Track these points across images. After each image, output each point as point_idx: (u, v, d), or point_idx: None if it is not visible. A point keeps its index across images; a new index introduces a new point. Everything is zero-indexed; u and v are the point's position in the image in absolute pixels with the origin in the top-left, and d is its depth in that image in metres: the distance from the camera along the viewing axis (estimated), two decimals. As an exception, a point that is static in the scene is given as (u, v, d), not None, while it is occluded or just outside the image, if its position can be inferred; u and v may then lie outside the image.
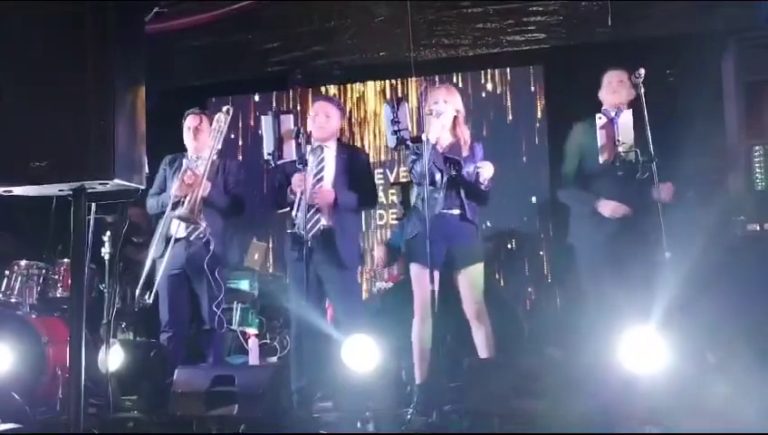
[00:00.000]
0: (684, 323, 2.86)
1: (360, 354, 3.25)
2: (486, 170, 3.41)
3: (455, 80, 5.97)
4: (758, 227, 2.97)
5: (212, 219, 3.88)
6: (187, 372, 3.29)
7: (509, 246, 5.13)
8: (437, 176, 3.42)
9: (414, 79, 5.94)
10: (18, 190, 1.90)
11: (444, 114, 3.45)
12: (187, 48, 6.27)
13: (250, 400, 3.10)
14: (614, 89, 3.60)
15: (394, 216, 5.74)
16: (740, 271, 3.07)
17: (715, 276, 3.01)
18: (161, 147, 3.97)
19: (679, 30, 5.37)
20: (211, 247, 3.83)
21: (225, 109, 3.90)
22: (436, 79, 5.81)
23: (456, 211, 3.48)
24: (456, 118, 3.56)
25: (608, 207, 3.48)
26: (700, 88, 4.55)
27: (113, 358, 3.36)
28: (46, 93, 1.85)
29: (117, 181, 1.77)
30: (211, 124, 4.01)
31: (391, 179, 5.94)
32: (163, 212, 3.94)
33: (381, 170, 6.00)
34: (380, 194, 5.90)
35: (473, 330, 3.48)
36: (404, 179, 5.72)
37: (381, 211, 5.95)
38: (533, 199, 5.49)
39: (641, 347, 2.83)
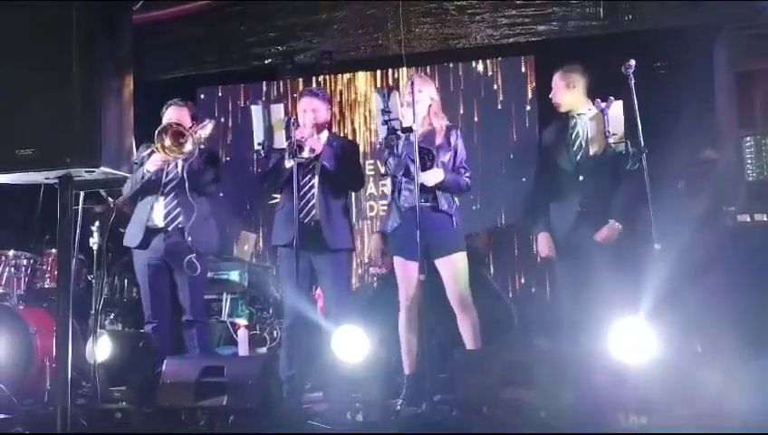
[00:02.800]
0: (673, 313, 2.87)
1: (350, 345, 3.25)
2: (431, 177, 3.40)
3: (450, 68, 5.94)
4: (749, 218, 2.98)
5: (188, 208, 3.81)
6: (176, 363, 3.27)
7: (497, 225, 5.16)
8: (412, 168, 3.39)
9: (405, 69, 5.92)
10: (4, 178, 1.87)
11: (419, 103, 3.42)
12: (176, 39, 6.24)
13: (239, 390, 3.09)
14: (555, 93, 3.68)
15: (384, 207, 5.73)
16: (730, 262, 3.08)
17: (705, 267, 3.02)
18: (147, 139, 3.92)
19: (670, 23, 5.38)
20: (187, 237, 3.78)
21: (212, 122, 3.91)
22: (428, 70, 5.78)
23: (429, 203, 3.46)
24: (430, 106, 3.55)
25: (541, 244, 3.62)
26: (691, 80, 4.57)
27: (101, 349, 3.34)
28: (32, 80, 1.81)
29: (104, 169, 1.75)
30: (191, 115, 3.96)
31: (382, 171, 5.92)
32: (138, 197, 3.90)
33: (372, 161, 5.98)
34: (371, 185, 5.92)
35: (458, 320, 3.48)
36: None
37: (372, 202, 5.94)
38: (524, 179, 5.50)
39: (630, 337, 2.84)
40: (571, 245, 3.46)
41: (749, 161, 3.02)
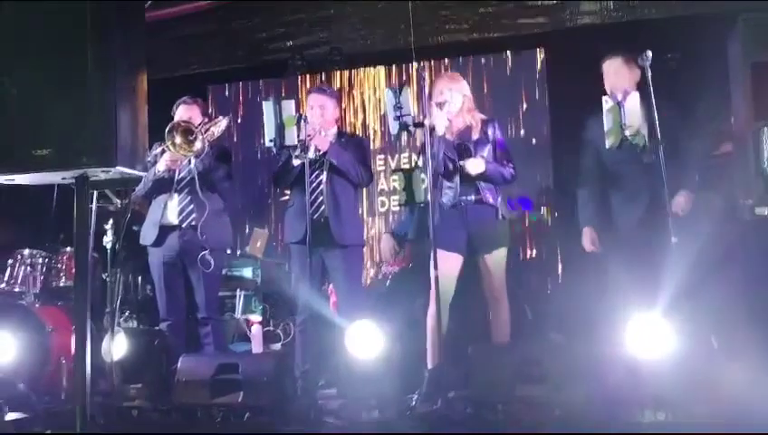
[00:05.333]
0: (691, 308, 2.83)
1: (364, 341, 3.25)
2: (472, 166, 3.39)
3: (459, 63, 5.90)
4: (767, 212, 2.94)
5: (201, 205, 3.83)
6: (192, 360, 3.29)
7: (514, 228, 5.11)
8: (450, 166, 3.44)
9: (414, 64, 5.88)
10: (21, 179, 1.88)
11: (450, 102, 3.45)
12: (186, 35, 6.25)
13: (254, 388, 3.10)
14: (611, 78, 3.55)
15: (396, 202, 5.71)
16: (748, 256, 3.04)
17: (722, 261, 2.98)
18: (158, 135, 3.92)
19: (682, 12, 5.33)
20: (201, 233, 3.79)
21: (227, 118, 3.89)
22: (441, 67, 5.74)
23: (472, 197, 3.47)
24: (463, 103, 3.54)
25: (585, 239, 3.54)
26: (704, 70, 4.51)
27: (117, 347, 3.36)
28: (47, 80, 1.82)
29: (119, 169, 1.75)
30: (202, 112, 3.98)
31: (392, 166, 5.91)
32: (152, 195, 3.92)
33: (383, 156, 5.96)
34: (381, 180, 5.90)
35: (491, 313, 3.51)
36: (405, 166, 5.71)
37: (383, 198, 5.93)
38: (537, 177, 5.45)
39: (647, 332, 2.81)
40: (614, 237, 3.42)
41: (767, 152, 2.98)
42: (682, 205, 3.28)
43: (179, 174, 3.91)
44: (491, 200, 3.49)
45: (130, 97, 1.83)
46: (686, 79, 4.60)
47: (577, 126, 3.81)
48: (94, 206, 2.88)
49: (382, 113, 5.88)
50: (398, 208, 5.62)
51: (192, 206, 3.86)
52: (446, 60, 5.90)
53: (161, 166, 3.82)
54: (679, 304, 2.87)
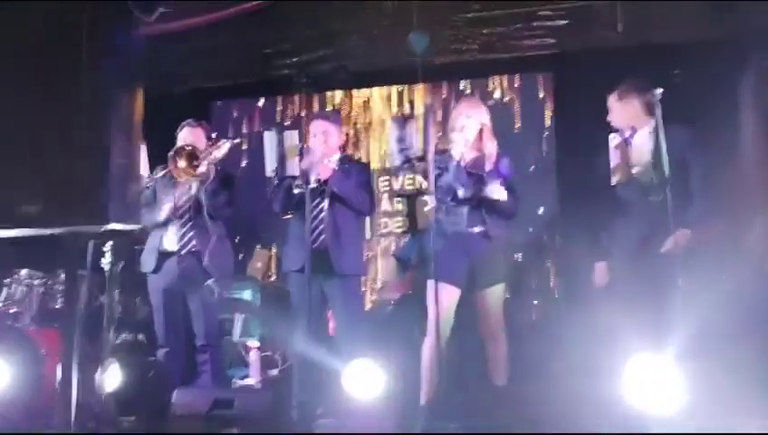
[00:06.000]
0: (695, 352, 2.75)
1: (362, 380, 3.18)
2: (496, 193, 3.32)
3: (461, 86, 5.85)
4: None
5: (202, 232, 3.78)
6: (187, 394, 3.23)
7: (515, 257, 5.03)
8: (460, 192, 3.34)
9: (420, 86, 5.83)
10: (6, 234, 1.82)
11: (467, 128, 3.37)
12: (191, 50, 6.20)
13: (249, 423, 3.05)
14: (617, 113, 3.47)
15: (399, 224, 5.65)
16: (756, 309, 2.96)
17: (729, 313, 2.90)
18: (162, 152, 3.87)
19: (691, 37, 5.27)
20: (204, 260, 3.74)
21: (234, 141, 3.84)
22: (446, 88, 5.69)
23: (479, 229, 3.39)
24: (481, 131, 3.45)
25: (599, 273, 3.48)
26: (714, 99, 4.45)
27: (110, 378, 3.29)
28: (38, 134, 1.76)
29: (112, 226, 1.69)
30: (206, 135, 3.92)
31: (396, 187, 5.85)
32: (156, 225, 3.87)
33: (387, 178, 5.91)
34: (385, 202, 5.85)
35: (488, 351, 3.42)
36: (409, 187, 5.65)
37: (386, 219, 5.87)
38: (540, 210, 5.37)
39: (647, 375, 2.72)
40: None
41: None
42: (676, 242, 3.13)
43: (180, 199, 3.85)
44: (496, 233, 3.42)
45: (124, 148, 1.77)
46: (698, 105, 4.54)
47: (584, 153, 3.75)
48: (90, 253, 2.79)
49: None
50: (399, 231, 5.57)
51: (192, 232, 3.80)
52: (452, 81, 5.87)
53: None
54: (684, 347, 2.78)
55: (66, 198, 1.69)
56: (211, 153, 3.79)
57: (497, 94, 5.85)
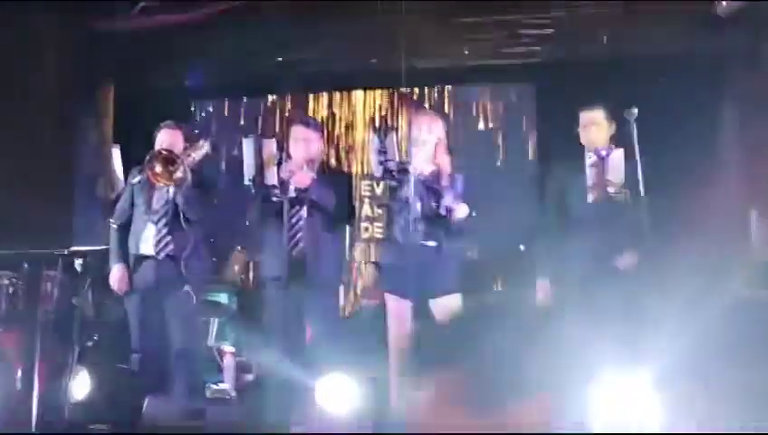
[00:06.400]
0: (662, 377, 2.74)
1: (335, 396, 3.16)
2: (460, 211, 3.31)
3: (445, 93, 5.84)
4: (751, 294, 2.88)
5: (179, 236, 3.72)
6: (157, 403, 3.19)
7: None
8: (418, 205, 3.33)
9: (405, 90, 5.83)
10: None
11: (427, 143, 3.36)
12: (173, 47, 6.13)
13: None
14: (588, 131, 3.46)
15: (380, 230, 5.64)
16: (731, 337, 2.96)
17: (702, 340, 2.91)
18: (138, 150, 3.80)
19: (675, 51, 5.30)
20: (181, 265, 3.69)
21: (208, 142, 3.78)
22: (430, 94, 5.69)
23: (434, 243, 3.38)
24: (437, 146, 3.45)
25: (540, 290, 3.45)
26: (695, 111, 4.48)
27: (79, 386, 3.25)
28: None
29: (74, 248, 1.65)
30: (184, 137, 3.86)
31: (378, 193, 5.83)
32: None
33: (369, 182, 5.89)
34: (366, 207, 5.83)
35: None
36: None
37: (366, 224, 5.86)
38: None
39: (609, 398, 2.70)
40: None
41: (753, 235, 2.93)
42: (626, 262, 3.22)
43: (157, 203, 3.80)
44: (450, 247, 3.39)
45: (91, 168, 1.72)
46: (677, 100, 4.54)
47: (562, 166, 3.76)
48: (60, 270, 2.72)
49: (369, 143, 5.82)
50: (380, 237, 5.56)
51: (170, 237, 3.75)
52: (438, 87, 5.87)
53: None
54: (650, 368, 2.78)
55: (28, 219, 1.64)
56: (189, 155, 3.73)
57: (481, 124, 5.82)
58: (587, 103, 3.51)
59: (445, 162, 3.45)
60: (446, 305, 3.38)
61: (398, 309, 3.37)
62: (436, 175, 3.44)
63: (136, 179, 3.74)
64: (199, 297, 3.87)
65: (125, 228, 3.80)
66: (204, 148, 3.84)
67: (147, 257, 3.75)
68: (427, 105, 5.83)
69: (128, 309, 3.86)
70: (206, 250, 3.95)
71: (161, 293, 3.76)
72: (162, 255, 3.73)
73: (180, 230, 3.72)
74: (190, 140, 3.94)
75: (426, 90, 5.88)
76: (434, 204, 3.32)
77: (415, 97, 5.90)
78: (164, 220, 3.77)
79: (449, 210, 3.30)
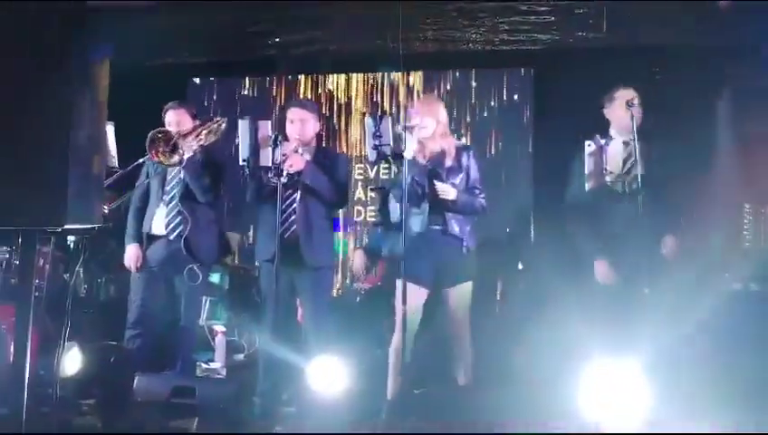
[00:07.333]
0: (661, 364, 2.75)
1: (325, 377, 3.17)
2: (441, 191, 3.30)
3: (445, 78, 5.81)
4: (742, 286, 2.91)
5: (189, 216, 3.76)
6: (148, 380, 3.19)
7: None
8: (419, 191, 3.34)
9: (401, 73, 5.79)
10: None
11: (422, 128, 3.35)
12: (172, 24, 6.06)
13: (210, 413, 3.03)
14: (621, 108, 3.35)
15: (372, 214, 5.63)
16: (721, 330, 2.99)
17: (694, 330, 2.93)
18: (138, 128, 3.78)
19: (675, 41, 5.28)
20: (190, 244, 3.74)
21: (220, 121, 3.77)
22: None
23: (439, 226, 3.39)
24: (436, 128, 3.44)
25: (601, 270, 3.33)
26: (695, 101, 4.46)
27: (70, 361, 3.24)
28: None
29: (68, 226, 1.63)
30: (190, 115, 3.88)
31: (371, 175, 5.82)
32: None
33: (362, 165, 5.88)
34: (359, 190, 5.82)
35: (455, 351, 3.43)
36: (384, 177, 5.63)
37: (359, 207, 5.85)
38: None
39: (606, 384, 2.72)
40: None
41: (746, 229, 2.94)
42: (671, 247, 3.21)
43: (169, 184, 3.82)
44: (457, 231, 3.40)
45: (86, 144, 1.69)
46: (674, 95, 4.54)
47: (560, 153, 3.75)
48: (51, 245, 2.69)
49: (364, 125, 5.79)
50: (373, 220, 5.55)
51: (180, 217, 3.77)
52: (433, 71, 5.83)
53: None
54: (642, 356, 2.79)
55: (21, 196, 1.61)
56: (199, 133, 3.71)
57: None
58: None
59: (447, 144, 3.45)
60: (458, 294, 3.41)
61: (410, 295, 3.27)
62: (441, 156, 3.44)
63: (148, 161, 3.77)
64: (205, 277, 3.89)
65: (142, 209, 3.87)
66: (218, 125, 3.80)
67: (158, 237, 3.80)
68: (422, 90, 5.79)
69: (132, 286, 3.89)
70: (216, 231, 3.95)
71: (168, 272, 3.80)
72: (173, 235, 3.76)
73: (190, 211, 3.76)
74: (197, 118, 3.94)
75: (422, 74, 5.82)
76: (437, 186, 3.32)
77: (412, 81, 5.86)
78: (175, 201, 3.80)
79: (474, 188, 3.30)
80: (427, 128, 3.39)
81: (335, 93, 6.05)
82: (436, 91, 5.77)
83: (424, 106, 3.47)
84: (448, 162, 3.44)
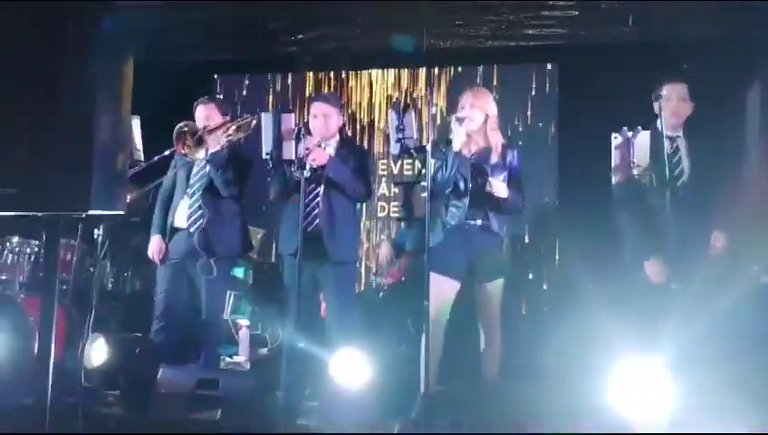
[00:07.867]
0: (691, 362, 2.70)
1: (349, 370, 3.16)
2: (496, 187, 3.27)
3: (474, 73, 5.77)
4: None
5: (212, 210, 3.80)
6: (172, 372, 3.21)
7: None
8: (461, 184, 3.31)
9: (423, 69, 5.77)
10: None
11: (470, 120, 3.31)
12: (194, 22, 6.10)
13: (233, 406, 3.03)
14: (675, 107, 3.32)
15: (396, 209, 5.62)
16: (749, 323, 2.93)
17: (722, 324, 2.87)
18: (163, 123, 3.82)
19: (703, 35, 5.19)
20: (209, 237, 3.76)
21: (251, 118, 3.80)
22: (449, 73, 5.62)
23: (479, 221, 3.35)
24: (485, 122, 3.40)
25: (653, 269, 3.22)
26: (719, 100, 4.38)
27: (96, 353, 3.28)
28: (17, 112, 1.69)
29: (93, 212, 1.64)
30: (220, 111, 3.92)
31: (395, 172, 5.80)
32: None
33: (385, 161, 5.86)
34: (383, 186, 5.80)
35: (484, 344, 3.41)
36: (407, 173, 5.61)
37: (383, 203, 5.83)
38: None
39: (634, 382, 2.67)
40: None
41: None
42: (721, 242, 3.16)
43: (194, 177, 3.86)
44: (496, 228, 3.38)
45: (110, 129, 1.71)
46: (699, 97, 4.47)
47: (587, 150, 3.70)
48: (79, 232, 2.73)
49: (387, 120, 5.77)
50: (396, 216, 5.53)
51: (201, 211, 3.79)
52: (460, 67, 5.80)
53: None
54: (675, 354, 2.75)
55: (46, 181, 1.63)
56: (228, 129, 3.75)
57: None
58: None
59: (495, 139, 3.40)
60: (491, 290, 3.39)
61: (442, 288, 3.30)
62: (486, 151, 3.39)
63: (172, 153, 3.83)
64: (225, 271, 3.91)
65: (167, 201, 3.93)
66: (248, 124, 3.83)
67: (180, 230, 3.84)
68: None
69: (157, 279, 3.95)
70: (240, 225, 3.97)
71: (188, 265, 3.83)
72: (193, 228, 3.79)
73: (212, 204, 3.78)
74: (227, 114, 3.98)
75: (447, 69, 5.80)
76: (481, 182, 3.29)
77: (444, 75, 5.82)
78: (198, 194, 3.83)
79: (489, 183, 3.26)
80: (476, 120, 3.35)
81: (358, 88, 6.04)
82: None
83: (474, 98, 3.40)
84: (494, 158, 3.38)
